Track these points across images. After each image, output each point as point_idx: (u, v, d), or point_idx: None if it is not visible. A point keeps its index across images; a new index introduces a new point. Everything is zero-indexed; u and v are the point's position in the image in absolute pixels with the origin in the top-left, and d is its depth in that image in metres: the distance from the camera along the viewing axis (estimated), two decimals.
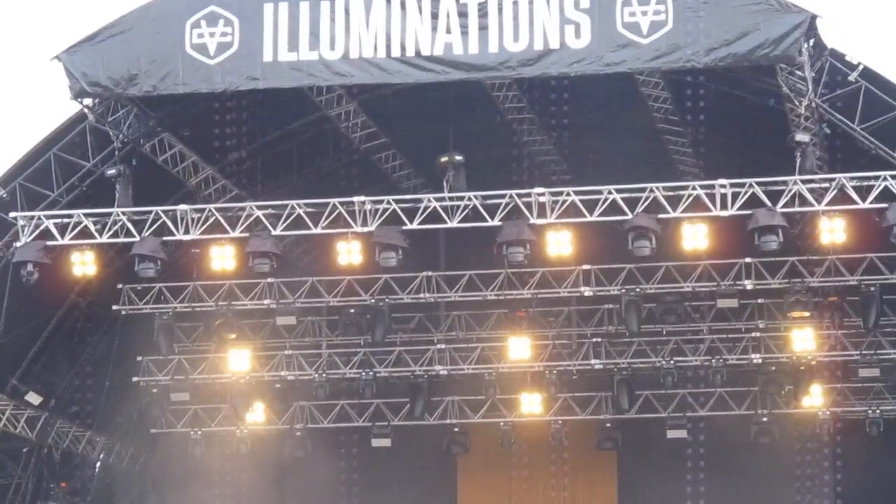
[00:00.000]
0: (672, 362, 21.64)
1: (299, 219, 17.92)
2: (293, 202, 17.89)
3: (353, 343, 22.41)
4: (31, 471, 22.67)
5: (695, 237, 17.36)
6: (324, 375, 22.11)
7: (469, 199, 17.54)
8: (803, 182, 16.77)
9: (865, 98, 16.98)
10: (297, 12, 16.17)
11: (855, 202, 16.76)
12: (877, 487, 22.56)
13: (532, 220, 17.38)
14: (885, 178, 16.62)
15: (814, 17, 15.37)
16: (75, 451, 23.27)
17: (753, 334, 21.54)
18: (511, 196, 17.54)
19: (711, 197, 17.04)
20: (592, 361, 21.82)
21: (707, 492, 23.40)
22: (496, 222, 17.50)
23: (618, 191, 17.24)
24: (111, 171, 18.15)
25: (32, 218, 18.15)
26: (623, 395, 21.89)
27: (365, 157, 21.02)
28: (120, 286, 21.27)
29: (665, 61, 15.83)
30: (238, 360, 22.00)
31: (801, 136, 16.90)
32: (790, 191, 16.80)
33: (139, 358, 22.37)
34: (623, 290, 20.78)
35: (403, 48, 16.00)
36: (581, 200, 17.38)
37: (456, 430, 23.03)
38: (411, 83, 17.07)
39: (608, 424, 22.76)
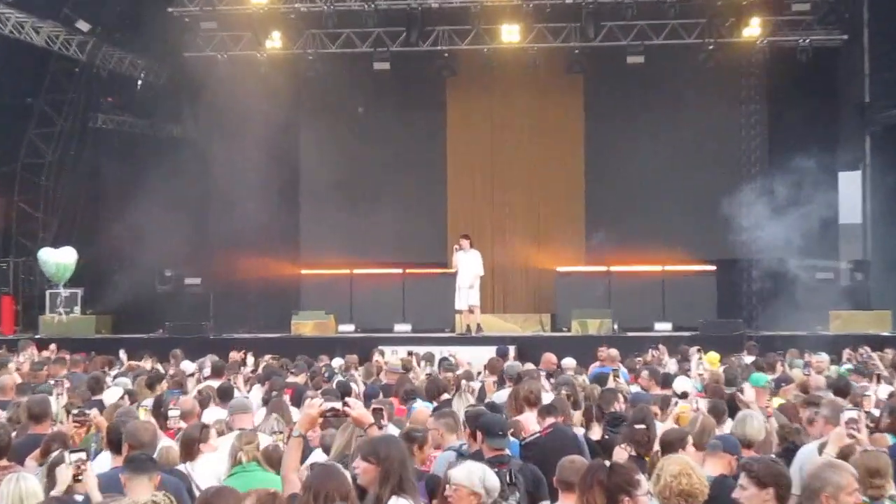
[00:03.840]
0: None
1: None
2: None
3: None
4: (83, 87, 23.05)
5: None
6: (331, 7, 21.49)
7: None
8: None
9: None
10: None
11: None
12: (804, 104, 22.08)
13: None
14: None
15: None
16: (120, 72, 23.37)
17: None
18: None
19: None
20: None
21: (659, 112, 22.95)
22: None
23: None
24: None
25: None
26: (590, 26, 21.42)
27: None
28: None
29: None
30: None
31: None
32: None
33: None
34: None
35: None
36: None
37: (446, 55, 22.41)
38: None
39: (576, 51, 22.14)
